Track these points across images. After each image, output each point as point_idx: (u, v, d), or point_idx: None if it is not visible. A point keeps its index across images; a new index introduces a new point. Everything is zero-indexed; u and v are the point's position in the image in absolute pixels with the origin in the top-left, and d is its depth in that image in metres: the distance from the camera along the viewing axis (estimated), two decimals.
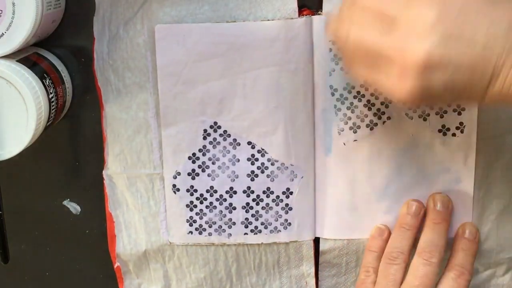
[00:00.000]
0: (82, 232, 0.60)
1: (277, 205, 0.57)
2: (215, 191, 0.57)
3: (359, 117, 0.55)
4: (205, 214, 0.57)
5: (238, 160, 0.56)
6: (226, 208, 0.57)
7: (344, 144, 0.55)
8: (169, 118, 0.55)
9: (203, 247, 0.58)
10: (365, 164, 0.55)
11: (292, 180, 0.56)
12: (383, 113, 0.55)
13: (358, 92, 0.54)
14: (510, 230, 0.57)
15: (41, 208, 0.60)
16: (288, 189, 0.56)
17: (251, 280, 0.59)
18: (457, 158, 0.55)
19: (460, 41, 0.41)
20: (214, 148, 0.56)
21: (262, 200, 0.57)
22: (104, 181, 0.58)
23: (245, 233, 0.57)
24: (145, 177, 0.57)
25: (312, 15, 0.54)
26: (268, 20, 0.54)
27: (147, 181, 0.57)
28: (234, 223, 0.57)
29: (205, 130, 0.56)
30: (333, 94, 0.55)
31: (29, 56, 0.53)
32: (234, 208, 0.57)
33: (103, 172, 0.58)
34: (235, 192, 0.57)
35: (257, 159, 0.56)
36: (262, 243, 0.58)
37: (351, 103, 0.55)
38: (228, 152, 0.56)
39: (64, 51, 0.56)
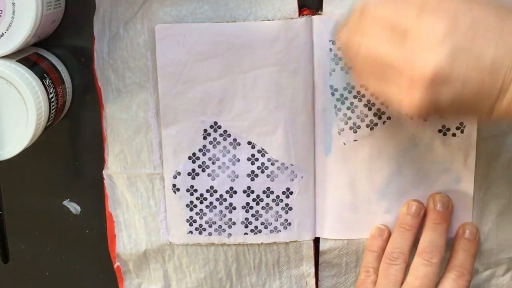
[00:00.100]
0: (82, 232, 0.60)
1: (277, 205, 0.57)
2: (215, 191, 0.57)
3: (359, 117, 0.55)
4: (205, 214, 0.57)
5: (238, 160, 0.56)
6: (226, 208, 0.57)
7: (344, 144, 0.55)
8: (169, 118, 0.55)
9: (203, 247, 0.58)
10: (365, 164, 0.55)
11: (292, 180, 0.56)
12: (383, 113, 0.55)
13: (358, 92, 0.54)
14: (510, 230, 0.57)
15: (41, 208, 0.60)
16: (288, 189, 0.56)
17: (251, 280, 0.59)
18: (457, 158, 0.55)
19: (469, 55, 0.41)
20: (214, 148, 0.56)
21: (262, 200, 0.57)
22: (104, 181, 0.58)
23: (245, 233, 0.57)
24: (145, 177, 0.57)
25: (312, 15, 0.54)
26: (268, 20, 0.54)
27: (147, 181, 0.57)
28: (234, 223, 0.57)
29: (205, 130, 0.56)
30: (333, 94, 0.55)
31: (29, 56, 0.53)
32: (234, 208, 0.57)
33: (103, 172, 0.58)
34: (235, 192, 0.57)
35: (257, 159, 0.56)
36: (262, 243, 0.58)
37: (351, 103, 0.55)
38: (228, 152, 0.56)
39: (64, 51, 0.56)
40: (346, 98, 0.55)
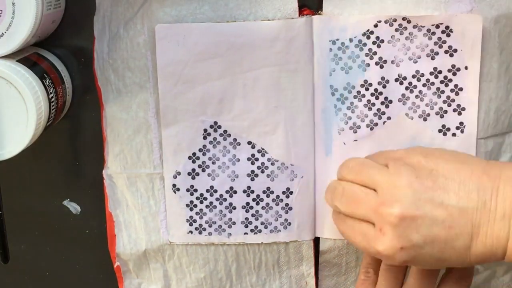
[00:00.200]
0: (82, 232, 0.60)
1: (277, 205, 0.57)
2: (215, 191, 0.57)
3: (359, 117, 0.55)
4: (205, 213, 0.57)
5: (238, 160, 0.56)
6: (226, 207, 0.57)
7: (344, 144, 0.55)
8: (169, 118, 0.55)
9: (203, 246, 0.58)
10: None
11: (292, 180, 0.56)
12: (383, 113, 0.55)
13: (358, 92, 0.54)
14: None
15: (41, 208, 0.60)
16: (288, 189, 0.56)
17: (251, 280, 0.59)
18: None
19: (434, 203, 0.46)
20: (214, 148, 0.56)
21: (262, 200, 0.57)
22: (104, 181, 0.58)
23: (245, 233, 0.57)
24: (145, 177, 0.57)
25: (312, 15, 0.54)
26: (268, 20, 0.54)
27: (147, 180, 0.57)
28: (234, 223, 0.57)
29: (205, 130, 0.56)
30: (333, 94, 0.55)
31: (29, 56, 0.53)
32: (234, 208, 0.57)
33: (103, 171, 0.58)
34: (235, 192, 0.57)
35: (257, 159, 0.56)
36: (262, 243, 0.58)
37: (351, 103, 0.55)
38: (228, 151, 0.56)
39: (64, 51, 0.56)
40: (346, 98, 0.55)
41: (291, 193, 0.56)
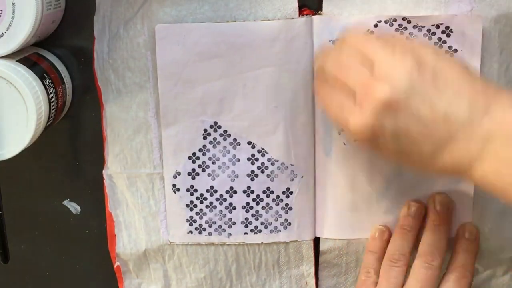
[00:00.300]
0: (82, 232, 0.60)
1: (277, 205, 0.57)
2: (215, 191, 0.57)
3: None
4: (205, 214, 0.57)
5: (238, 160, 0.56)
6: (226, 208, 0.57)
7: (344, 144, 0.55)
8: (169, 118, 0.55)
9: (203, 246, 0.58)
10: (365, 164, 0.55)
11: (292, 180, 0.56)
12: None
13: None
14: (510, 230, 0.57)
15: (41, 208, 0.60)
16: (288, 189, 0.56)
17: (251, 280, 0.59)
18: None
19: (425, 98, 0.43)
20: (214, 148, 0.56)
21: (262, 200, 0.57)
22: (104, 181, 0.58)
23: (245, 233, 0.57)
24: (145, 177, 0.57)
25: (312, 15, 0.54)
26: (269, 20, 0.54)
27: (147, 180, 0.57)
28: (234, 223, 0.57)
29: (205, 130, 0.56)
30: None
31: (29, 56, 0.53)
32: (234, 208, 0.57)
33: (103, 171, 0.58)
34: (235, 192, 0.57)
35: (257, 159, 0.56)
36: (262, 243, 0.58)
37: None
38: (228, 152, 0.56)
39: (64, 51, 0.56)
40: None
41: (291, 193, 0.56)
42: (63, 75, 0.55)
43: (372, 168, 0.55)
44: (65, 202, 0.60)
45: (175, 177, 0.57)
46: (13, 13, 0.49)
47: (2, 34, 0.49)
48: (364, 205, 0.56)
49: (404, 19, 0.53)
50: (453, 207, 0.55)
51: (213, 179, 0.57)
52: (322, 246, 0.58)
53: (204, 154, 0.56)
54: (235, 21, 0.54)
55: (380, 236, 0.56)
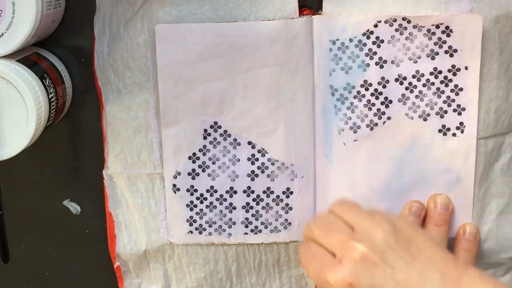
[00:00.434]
0: (82, 232, 0.60)
1: (277, 205, 0.57)
2: (215, 191, 0.57)
3: (359, 117, 0.55)
4: (205, 214, 0.57)
5: (238, 160, 0.56)
6: (226, 208, 0.57)
7: (344, 144, 0.55)
8: (170, 118, 0.55)
9: (203, 246, 0.58)
10: (365, 164, 0.55)
11: (292, 180, 0.56)
12: (383, 113, 0.55)
13: (358, 92, 0.54)
14: (510, 230, 0.57)
15: (41, 208, 0.60)
16: (288, 189, 0.56)
17: (251, 280, 0.59)
18: (457, 158, 0.55)
19: (400, 262, 0.47)
20: (214, 148, 0.56)
21: (262, 200, 0.57)
22: (104, 181, 0.58)
23: (245, 233, 0.57)
24: (145, 177, 0.57)
25: (312, 15, 0.54)
26: (269, 20, 0.54)
27: (147, 180, 0.57)
28: (234, 223, 0.57)
29: (205, 130, 0.56)
30: (333, 94, 0.55)
31: (29, 56, 0.53)
32: (234, 208, 0.57)
33: (103, 171, 0.58)
34: (235, 192, 0.57)
35: (257, 159, 0.56)
36: (262, 243, 0.58)
37: (351, 103, 0.55)
38: (228, 152, 0.56)
39: (64, 51, 0.56)
40: (346, 98, 0.55)
41: (291, 193, 0.56)
42: (63, 75, 0.55)
43: (372, 168, 0.55)
44: (65, 202, 0.60)
45: (175, 177, 0.57)
46: (13, 13, 0.49)
47: (2, 34, 0.49)
48: (364, 204, 0.56)
49: (404, 19, 0.53)
50: (453, 208, 0.55)
51: (213, 179, 0.57)
52: None
53: (204, 154, 0.56)
54: (235, 21, 0.54)
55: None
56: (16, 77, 0.50)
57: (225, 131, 0.56)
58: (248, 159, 0.56)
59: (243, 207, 0.57)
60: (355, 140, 0.55)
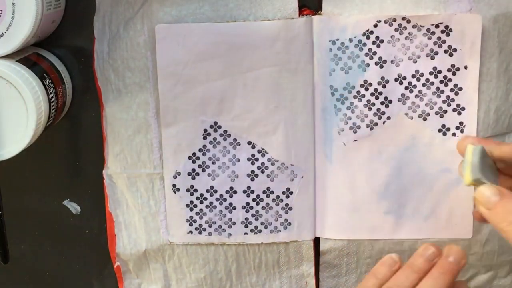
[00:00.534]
0: (82, 232, 0.60)
1: (277, 205, 0.57)
2: (215, 191, 0.57)
3: (359, 117, 0.55)
4: (205, 214, 0.57)
5: (238, 160, 0.56)
6: (226, 208, 0.57)
7: (344, 144, 0.55)
8: (169, 118, 0.55)
9: (203, 246, 0.58)
10: (365, 164, 0.55)
11: (292, 180, 0.56)
12: (383, 113, 0.55)
13: (358, 92, 0.54)
14: None
15: (41, 208, 0.60)
16: (288, 189, 0.56)
17: (251, 280, 0.59)
18: (457, 158, 0.55)
19: None
20: (214, 148, 0.56)
21: (262, 200, 0.57)
22: (104, 181, 0.58)
23: (245, 233, 0.57)
24: (145, 177, 0.57)
25: (312, 15, 0.54)
26: (269, 20, 0.54)
27: (147, 180, 0.57)
28: (234, 223, 0.57)
29: (205, 130, 0.56)
30: (333, 94, 0.55)
31: (29, 56, 0.53)
32: (234, 208, 0.57)
33: (103, 171, 0.58)
34: (235, 192, 0.57)
35: (257, 159, 0.56)
36: (262, 243, 0.58)
37: (351, 103, 0.55)
38: (228, 152, 0.56)
39: (64, 51, 0.56)
40: (346, 98, 0.55)
41: (291, 193, 0.56)
42: (63, 75, 0.56)
43: (372, 168, 0.55)
44: (65, 202, 0.60)
45: (175, 177, 0.57)
46: (13, 13, 0.49)
47: (2, 34, 0.50)
48: (364, 205, 0.56)
49: (403, 18, 0.53)
50: (464, 264, 0.50)
51: (213, 179, 0.57)
52: (322, 246, 0.58)
53: (204, 154, 0.56)
54: (235, 21, 0.54)
55: (390, 266, 0.51)
56: (16, 77, 0.50)
57: (225, 131, 0.56)
58: (248, 159, 0.56)
59: (243, 207, 0.57)
60: (355, 140, 0.55)
